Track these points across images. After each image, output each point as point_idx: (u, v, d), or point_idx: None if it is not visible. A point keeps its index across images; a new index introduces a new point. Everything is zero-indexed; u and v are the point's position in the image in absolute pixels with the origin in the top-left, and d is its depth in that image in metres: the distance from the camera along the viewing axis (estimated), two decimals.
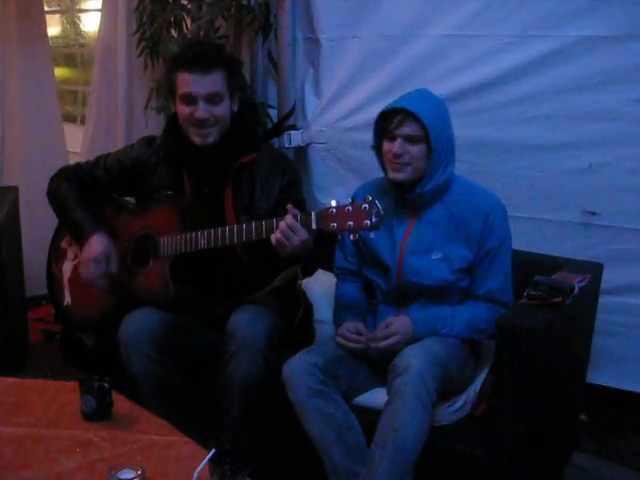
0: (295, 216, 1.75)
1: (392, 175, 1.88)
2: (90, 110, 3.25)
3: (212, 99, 1.95)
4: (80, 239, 2.09)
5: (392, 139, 1.85)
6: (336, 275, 2.15)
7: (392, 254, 1.94)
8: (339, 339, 1.92)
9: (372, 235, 1.77)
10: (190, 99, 1.95)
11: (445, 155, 1.86)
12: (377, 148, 1.93)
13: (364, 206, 1.69)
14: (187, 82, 1.95)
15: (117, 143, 3.01)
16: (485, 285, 1.90)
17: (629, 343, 2.25)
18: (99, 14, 3.19)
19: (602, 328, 2.21)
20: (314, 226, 1.74)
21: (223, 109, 1.98)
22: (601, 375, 2.29)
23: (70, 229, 2.16)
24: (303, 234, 1.74)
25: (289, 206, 1.78)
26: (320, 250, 1.90)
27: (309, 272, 2.19)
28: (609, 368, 2.28)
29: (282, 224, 1.75)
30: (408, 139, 1.83)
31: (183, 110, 1.98)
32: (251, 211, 2.02)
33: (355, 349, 1.89)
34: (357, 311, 2.02)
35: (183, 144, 2.03)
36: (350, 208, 1.70)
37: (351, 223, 1.69)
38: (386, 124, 1.86)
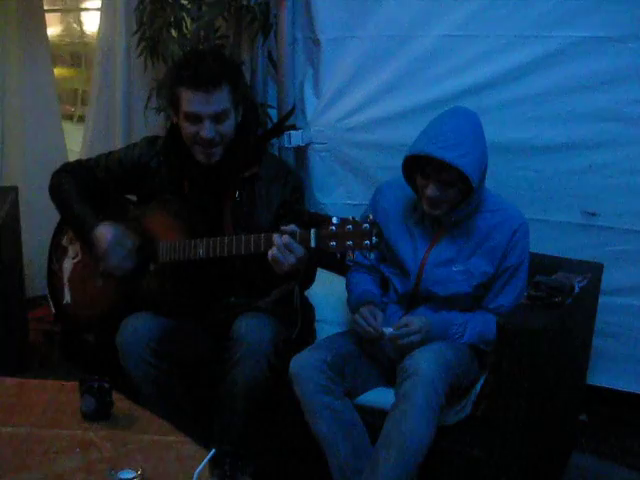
0: (293, 234, 1.72)
1: (428, 210, 1.86)
2: (90, 110, 3.25)
3: (218, 118, 1.89)
4: (84, 233, 2.05)
5: (426, 177, 1.82)
6: (348, 267, 2.12)
7: (414, 262, 1.93)
8: (356, 317, 1.90)
9: (372, 256, 1.73)
10: (195, 118, 1.89)
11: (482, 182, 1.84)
12: (405, 169, 1.88)
13: (365, 226, 1.64)
14: (191, 101, 1.87)
15: (116, 143, 3.00)
16: (497, 300, 1.90)
17: (629, 344, 2.25)
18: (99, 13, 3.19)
19: (602, 329, 2.21)
20: (312, 244, 1.70)
21: (229, 125, 1.93)
22: (601, 376, 2.28)
23: (73, 224, 2.13)
24: (300, 251, 1.71)
25: (282, 228, 1.75)
26: (320, 264, 1.87)
27: (307, 286, 2.16)
28: (608, 369, 2.28)
29: (278, 241, 1.72)
30: (444, 182, 1.79)
31: (188, 128, 1.92)
32: (250, 224, 1.99)
33: (369, 333, 1.87)
34: (375, 298, 1.99)
35: (185, 159, 1.99)
36: (350, 227, 1.66)
37: (350, 242, 1.65)
38: (418, 157, 1.81)
